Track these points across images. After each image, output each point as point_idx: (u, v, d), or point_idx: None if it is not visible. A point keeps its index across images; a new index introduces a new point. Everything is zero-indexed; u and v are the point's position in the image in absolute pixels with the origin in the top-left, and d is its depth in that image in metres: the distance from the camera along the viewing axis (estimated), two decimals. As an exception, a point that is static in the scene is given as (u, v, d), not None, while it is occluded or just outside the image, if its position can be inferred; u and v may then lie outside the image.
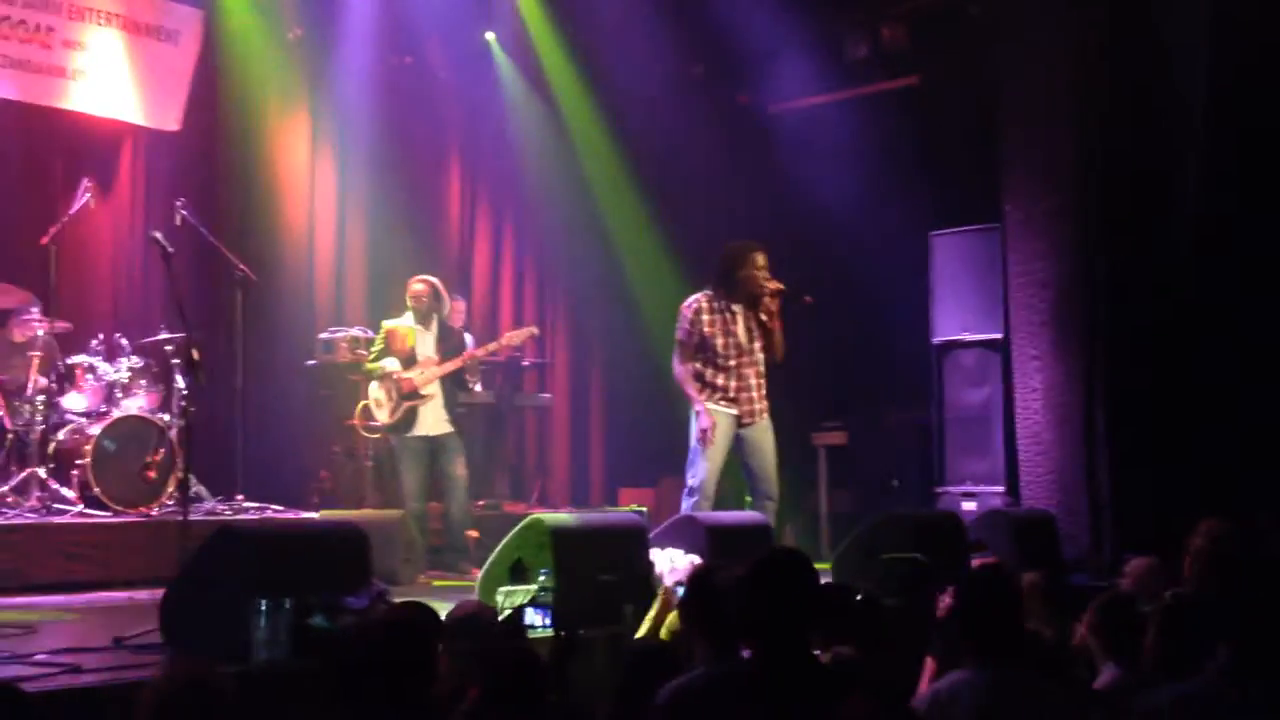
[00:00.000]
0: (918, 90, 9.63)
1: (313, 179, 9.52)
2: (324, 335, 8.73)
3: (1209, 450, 7.18)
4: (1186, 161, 7.50)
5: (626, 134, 10.15)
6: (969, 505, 8.06)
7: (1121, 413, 7.59)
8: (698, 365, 6.63)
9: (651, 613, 4.67)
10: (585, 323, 10.84)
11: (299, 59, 9.40)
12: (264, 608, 4.01)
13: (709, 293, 6.65)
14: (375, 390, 7.54)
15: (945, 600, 4.15)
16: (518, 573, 5.07)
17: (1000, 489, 8.18)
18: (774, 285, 6.58)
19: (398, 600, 4.06)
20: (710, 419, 6.53)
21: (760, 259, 6.62)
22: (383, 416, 7.51)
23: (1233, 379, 7.26)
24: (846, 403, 9.80)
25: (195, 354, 5.46)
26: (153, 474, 7.06)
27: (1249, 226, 7.31)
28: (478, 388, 8.55)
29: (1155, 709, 3.04)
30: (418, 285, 7.55)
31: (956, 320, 8.60)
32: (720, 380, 6.59)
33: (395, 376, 7.43)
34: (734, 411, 6.60)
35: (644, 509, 9.04)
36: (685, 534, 5.74)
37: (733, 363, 6.60)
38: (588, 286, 10.71)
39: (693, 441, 6.61)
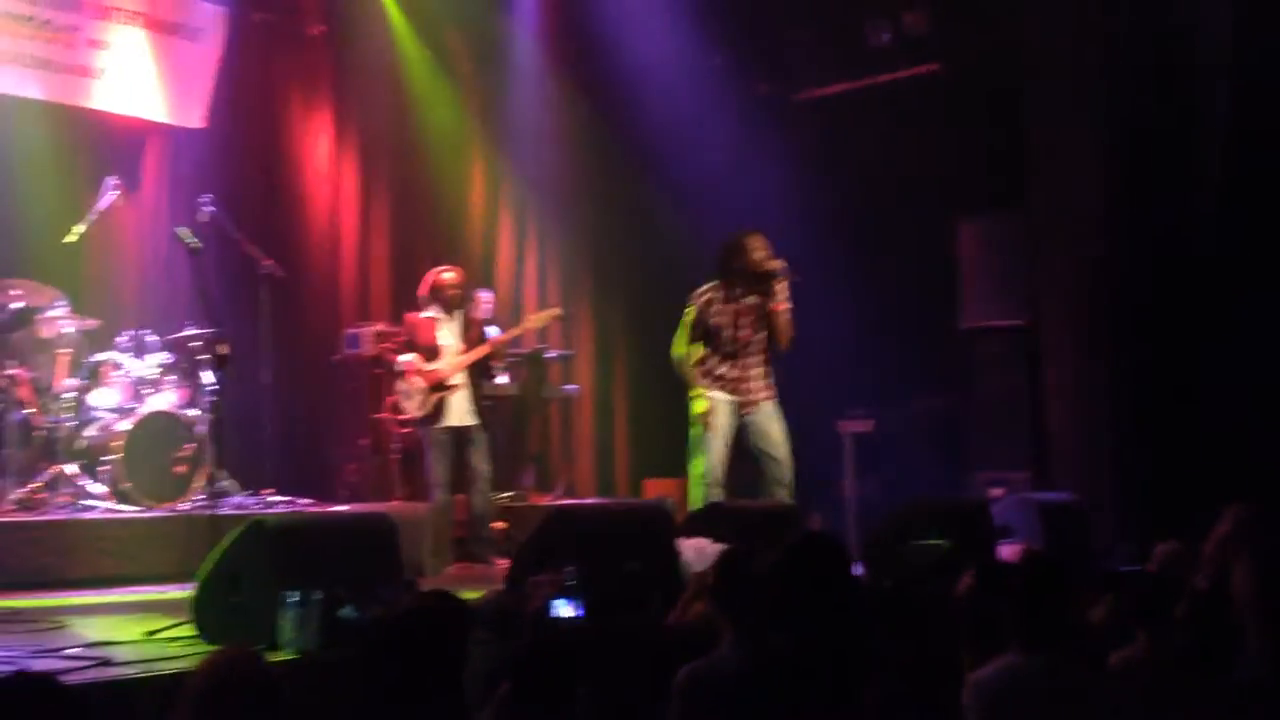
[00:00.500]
0: (941, 76, 9.58)
1: (337, 173, 9.55)
2: (350, 330, 8.75)
3: (1239, 435, 7.13)
4: (1215, 143, 7.44)
5: (648, 124, 10.12)
6: (996, 491, 8.02)
7: (1150, 398, 7.54)
8: (703, 353, 6.65)
9: (682, 600, 4.67)
10: (609, 314, 10.83)
11: (321, 55, 9.42)
12: (294, 600, 4.03)
13: (715, 285, 6.67)
14: (402, 384, 7.55)
15: (965, 581, 4.12)
16: (545, 562, 5.08)
17: (1027, 475, 8.14)
18: (774, 264, 6.59)
19: (425, 590, 4.06)
20: (709, 404, 6.56)
21: (756, 240, 6.64)
22: (412, 409, 7.53)
23: (1266, 364, 7.20)
24: (873, 390, 9.76)
25: (222, 349, 5.49)
26: (182, 469, 7.10)
27: (1278, 213, 7.25)
28: (503, 379, 8.55)
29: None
30: (448, 274, 7.54)
31: (984, 306, 8.56)
32: (722, 370, 6.61)
33: (422, 369, 7.44)
34: (734, 398, 6.60)
35: (669, 500, 9.04)
36: (712, 522, 5.73)
37: (734, 349, 6.63)
38: (611, 278, 10.70)
39: (694, 429, 6.64)
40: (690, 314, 6.68)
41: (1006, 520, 6.75)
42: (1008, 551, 5.75)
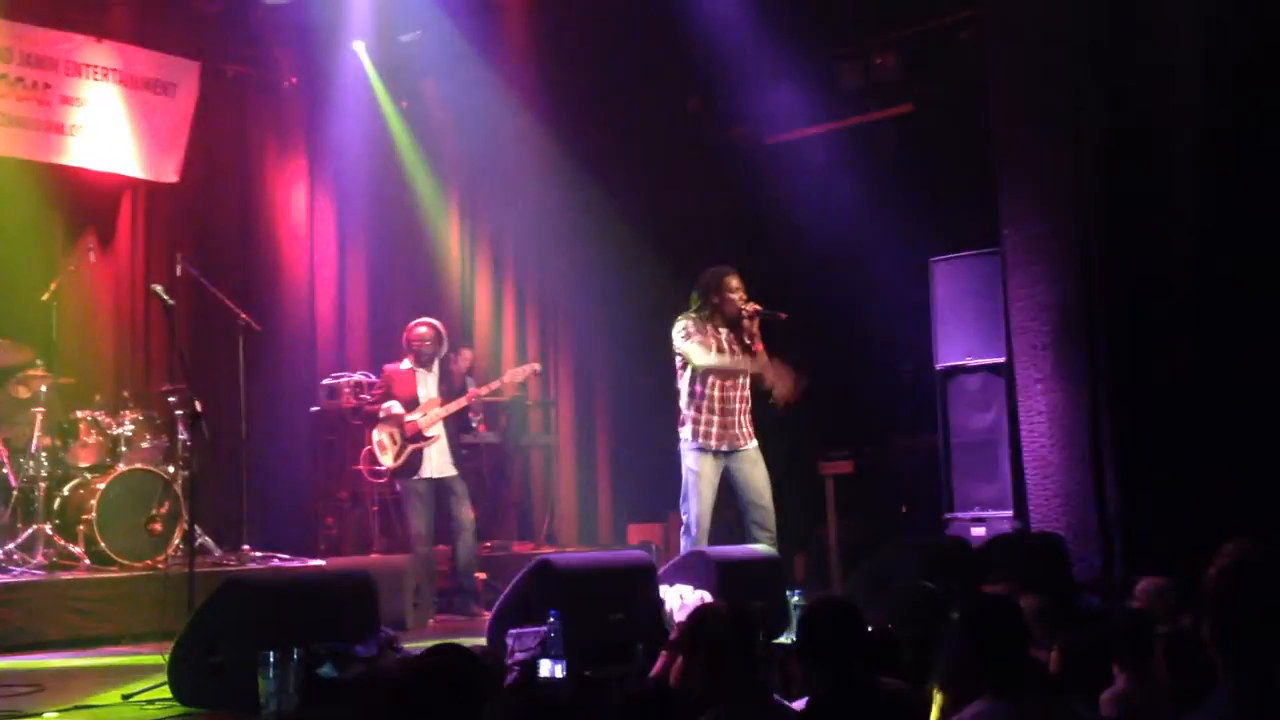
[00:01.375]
0: (912, 117, 9.67)
1: (312, 225, 9.56)
2: (327, 381, 8.73)
3: (1217, 470, 7.15)
4: (1186, 181, 7.51)
5: (624, 169, 10.17)
6: (978, 530, 8.03)
7: (1128, 433, 7.55)
8: (690, 385, 6.62)
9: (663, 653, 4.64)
10: (588, 360, 10.84)
11: (295, 107, 9.45)
12: (272, 659, 3.99)
13: (693, 316, 6.67)
14: (379, 434, 7.53)
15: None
16: (527, 614, 5.05)
17: (1009, 513, 8.13)
18: (751, 307, 6.60)
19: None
20: (686, 464, 6.55)
21: (734, 281, 6.65)
22: (387, 460, 7.50)
23: (1239, 398, 7.24)
24: (852, 432, 9.78)
25: (197, 405, 5.47)
26: (158, 527, 7.05)
27: (1252, 243, 7.31)
28: (482, 428, 8.54)
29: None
30: (421, 329, 7.57)
31: (959, 346, 8.59)
32: (704, 403, 6.58)
33: (400, 418, 7.42)
34: (715, 445, 6.57)
35: (652, 544, 9.02)
36: (694, 570, 5.72)
37: (719, 384, 6.60)
38: (589, 324, 10.71)
39: (685, 477, 6.61)
40: (682, 340, 6.63)
41: (988, 559, 6.75)
42: (991, 590, 5.75)
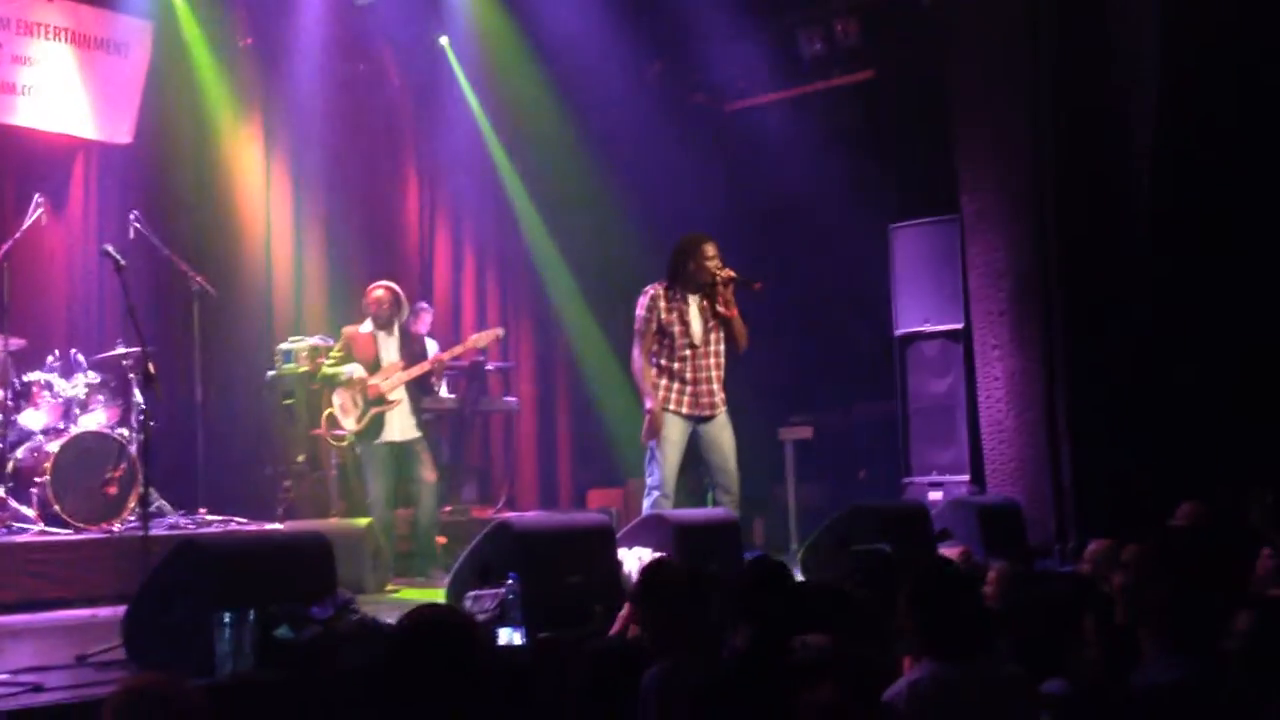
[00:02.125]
0: (873, 84, 9.68)
1: (268, 188, 9.45)
2: (284, 345, 8.66)
3: (1169, 434, 7.24)
4: (1140, 149, 7.56)
5: (585, 134, 10.13)
6: (935, 495, 8.11)
7: (1082, 399, 7.64)
8: (657, 356, 6.62)
9: (623, 612, 4.66)
10: (549, 325, 10.81)
11: (250, 68, 9.33)
12: (227, 620, 3.98)
13: (664, 285, 6.65)
14: (340, 397, 7.48)
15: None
16: (485, 576, 5.06)
17: (965, 478, 8.22)
18: (726, 273, 6.59)
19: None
20: (659, 421, 6.53)
21: (710, 249, 6.64)
22: (349, 424, 7.46)
23: (1192, 362, 7.32)
24: (811, 397, 9.83)
25: (151, 368, 5.40)
26: (113, 490, 6.99)
27: (1205, 210, 7.38)
28: (443, 392, 8.51)
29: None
30: (378, 291, 7.51)
31: (918, 312, 8.64)
32: (677, 369, 6.58)
33: (360, 381, 7.38)
34: (686, 411, 6.58)
35: (612, 510, 9.03)
36: (653, 533, 5.74)
37: (688, 354, 6.60)
38: (550, 288, 10.69)
39: (647, 440, 6.62)
40: (645, 316, 6.62)
41: (945, 523, 6.82)
42: (947, 554, 5.81)
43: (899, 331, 8.72)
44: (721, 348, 6.70)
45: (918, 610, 3.28)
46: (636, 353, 6.65)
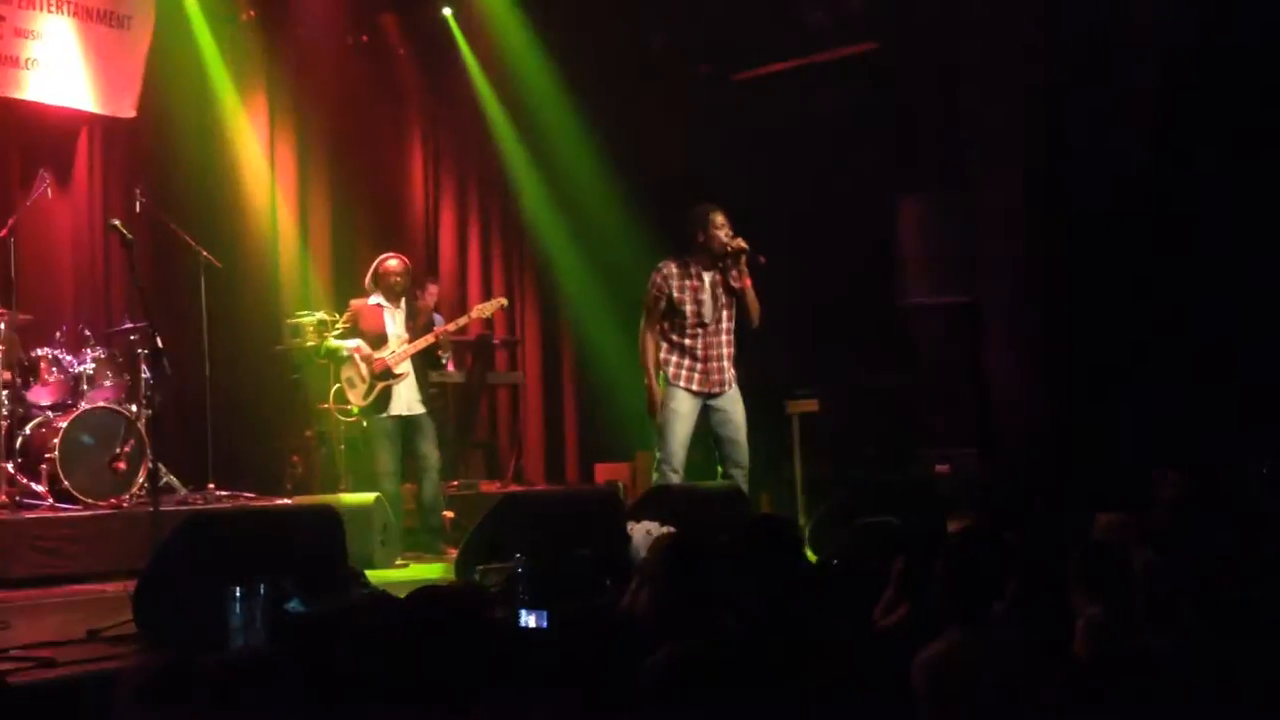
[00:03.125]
0: (878, 54, 9.62)
1: (273, 161, 9.43)
2: (291, 319, 8.66)
3: (1179, 406, 7.23)
4: (1148, 118, 7.53)
5: (588, 105, 10.09)
6: (942, 467, 8.10)
7: (1090, 370, 7.63)
8: (668, 333, 6.61)
9: (633, 585, 4.66)
10: (555, 298, 10.80)
11: (254, 40, 9.30)
12: (238, 594, 3.98)
13: (676, 260, 6.63)
14: (347, 371, 7.48)
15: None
16: (494, 550, 5.06)
17: (973, 450, 8.21)
18: (737, 243, 6.57)
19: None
20: (658, 398, 6.54)
21: (720, 218, 6.62)
22: (356, 398, 7.46)
23: (1202, 334, 7.31)
24: (818, 369, 9.80)
25: (159, 342, 5.40)
26: (122, 465, 6.99)
27: (1210, 182, 7.35)
28: (450, 365, 8.50)
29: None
30: (392, 261, 7.48)
31: (926, 284, 8.62)
32: (689, 345, 6.57)
33: (368, 356, 7.37)
34: (697, 388, 6.58)
35: (620, 483, 9.04)
36: (659, 505, 5.74)
37: (700, 330, 6.59)
38: (556, 262, 10.66)
39: (661, 412, 6.61)
40: (654, 294, 6.61)
41: (952, 495, 6.82)
42: (955, 526, 5.80)
43: (906, 303, 8.69)
44: (732, 324, 6.70)
45: (953, 577, 3.29)
46: (645, 329, 6.64)
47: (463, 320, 7.88)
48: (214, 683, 2.66)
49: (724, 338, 6.65)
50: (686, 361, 6.58)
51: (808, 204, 9.54)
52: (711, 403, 6.62)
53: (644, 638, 3.49)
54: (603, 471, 9.85)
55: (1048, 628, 3.79)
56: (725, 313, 6.65)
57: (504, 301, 8.32)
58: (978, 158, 8.09)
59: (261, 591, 4.02)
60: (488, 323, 9.61)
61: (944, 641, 3.21)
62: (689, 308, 6.58)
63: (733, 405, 6.65)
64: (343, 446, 8.28)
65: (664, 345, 6.62)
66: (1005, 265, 7.94)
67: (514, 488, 9.05)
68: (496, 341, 9.81)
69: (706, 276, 6.61)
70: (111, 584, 5.82)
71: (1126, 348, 7.51)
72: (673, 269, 6.60)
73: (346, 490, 7.88)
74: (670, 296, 6.57)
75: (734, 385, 6.69)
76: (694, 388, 6.57)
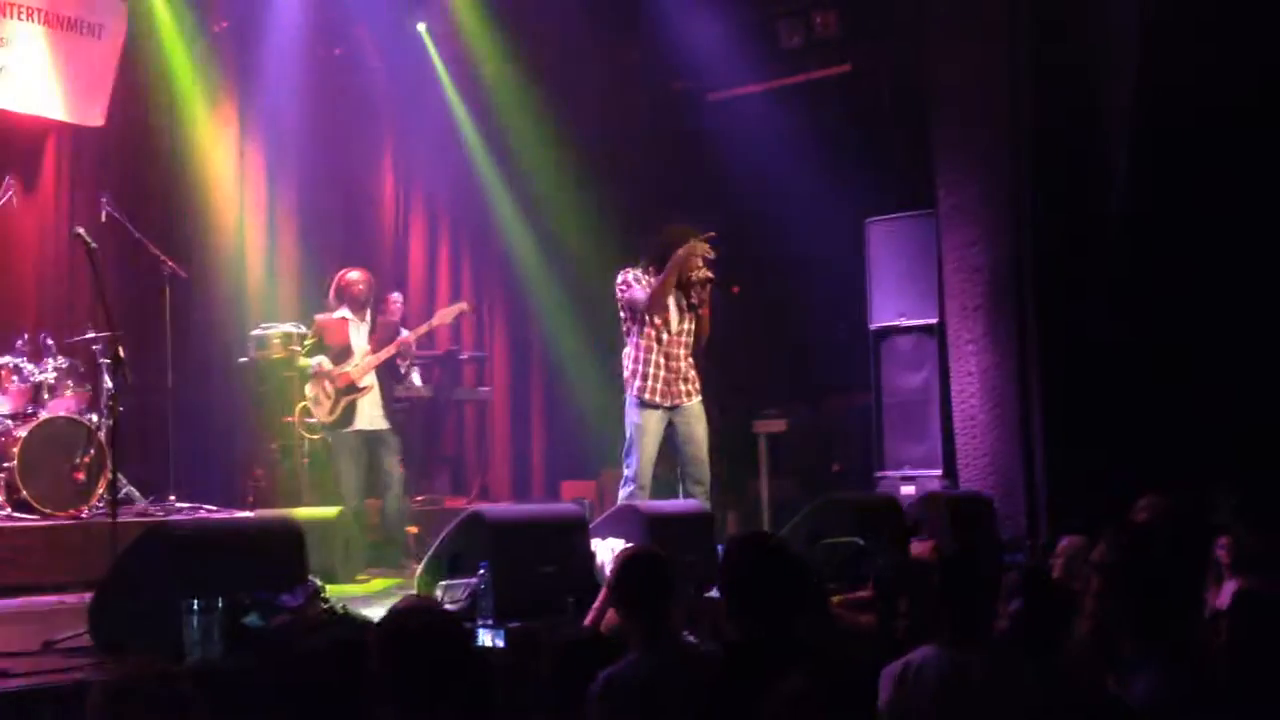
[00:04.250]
0: (850, 78, 9.68)
1: (241, 172, 9.38)
2: (256, 331, 8.60)
3: (1141, 431, 7.27)
4: (1116, 148, 7.59)
5: (562, 122, 10.10)
6: (908, 489, 8.11)
7: (1055, 395, 7.66)
8: (635, 341, 6.60)
9: (597, 601, 4.64)
10: (523, 314, 10.78)
11: (225, 51, 9.26)
12: (196, 607, 3.94)
13: (641, 268, 6.64)
14: (312, 390, 7.44)
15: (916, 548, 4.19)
16: (457, 566, 5.03)
17: (938, 472, 8.23)
18: (704, 274, 6.59)
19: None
20: (630, 418, 6.54)
21: (700, 247, 6.62)
22: (322, 414, 7.42)
23: (1164, 361, 7.36)
24: (786, 390, 9.84)
25: (120, 351, 5.35)
26: (82, 476, 6.92)
27: (1179, 209, 7.41)
28: (416, 379, 8.47)
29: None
30: (353, 274, 7.47)
31: (893, 306, 8.65)
32: (653, 354, 6.56)
33: (331, 373, 7.34)
34: (660, 400, 6.57)
35: (585, 501, 9.02)
36: (625, 524, 5.72)
37: (664, 338, 6.59)
38: (525, 278, 10.65)
39: (628, 431, 6.60)
40: (625, 288, 6.59)
41: (917, 517, 6.83)
42: (918, 548, 5.82)
43: (874, 325, 8.73)
44: (692, 338, 6.70)
45: (943, 595, 3.31)
46: (632, 328, 6.62)
47: (424, 328, 7.85)
48: (193, 698, 2.62)
49: (684, 350, 6.66)
50: (650, 372, 6.57)
51: (778, 225, 9.57)
52: (675, 417, 6.61)
53: (608, 653, 3.48)
54: (569, 489, 9.83)
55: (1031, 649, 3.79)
56: (686, 325, 6.66)
57: (465, 306, 8.26)
58: (946, 181, 8.13)
59: (219, 605, 3.98)
60: (455, 338, 9.60)
61: (920, 653, 3.24)
62: (655, 318, 6.57)
63: (695, 422, 6.64)
64: (306, 460, 8.22)
65: (628, 357, 6.62)
66: (971, 288, 7.97)
67: (479, 504, 9.01)
68: (464, 357, 9.78)
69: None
70: (68, 595, 5.76)
71: (1095, 369, 7.55)
72: (638, 274, 6.61)
73: (310, 504, 7.82)
74: (639, 288, 6.56)
75: (698, 397, 6.68)
76: (657, 400, 6.56)
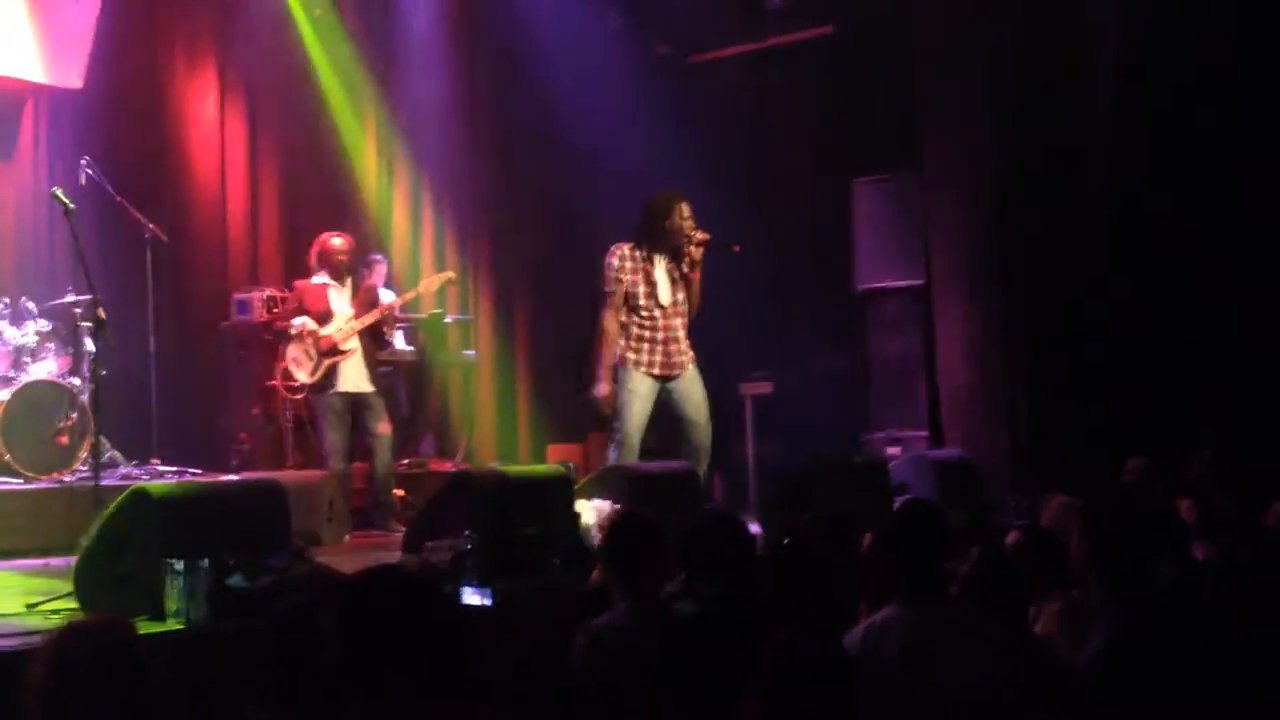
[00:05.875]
0: (833, 39, 9.61)
1: (223, 134, 9.30)
2: (239, 295, 8.56)
3: (1124, 393, 7.30)
4: (1101, 108, 7.58)
5: (544, 84, 10.02)
6: (894, 450, 8.13)
7: (1040, 356, 7.68)
8: (627, 318, 6.58)
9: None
10: (508, 277, 10.73)
11: (204, 9, 9.16)
12: (180, 568, 3.93)
13: (631, 243, 6.60)
14: (293, 351, 7.40)
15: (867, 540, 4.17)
16: (443, 528, 5.03)
17: (924, 433, 8.25)
18: (701, 235, 6.55)
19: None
20: (621, 383, 6.50)
21: (686, 209, 6.59)
22: (303, 376, 7.38)
23: (1150, 324, 7.38)
24: (772, 352, 9.82)
25: (101, 313, 5.31)
26: (65, 440, 6.90)
27: (1161, 174, 7.41)
28: (399, 343, 8.43)
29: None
30: (336, 240, 7.43)
31: (879, 268, 8.64)
32: (647, 327, 6.54)
33: (315, 333, 7.30)
34: (659, 371, 6.56)
35: (571, 464, 9.00)
36: (611, 485, 5.72)
37: (657, 313, 6.57)
38: (510, 240, 10.59)
39: (617, 397, 6.58)
40: (614, 278, 6.55)
41: (903, 478, 6.85)
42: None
43: (860, 287, 8.72)
44: (686, 306, 6.69)
45: (889, 553, 3.31)
46: (608, 316, 6.57)
47: (410, 295, 7.82)
48: (140, 650, 2.60)
49: (680, 320, 6.64)
50: (646, 345, 6.55)
51: (764, 187, 9.53)
52: (670, 385, 6.60)
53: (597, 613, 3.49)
54: (555, 452, 9.80)
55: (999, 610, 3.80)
56: (680, 295, 6.64)
57: (452, 275, 8.24)
58: (931, 141, 8.10)
59: (204, 566, 3.97)
60: (440, 301, 9.54)
61: (877, 616, 3.24)
62: (643, 289, 6.55)
63: (692, 386, 6.63)
64: (290, 424, 8.20)
65: (623, 334, 6.59)
66: (956, 249, 7.97)
67: (464, 467, 8.99)
68: (449, 320, 9.74)
69: (660, 260, 6.59)
70: (53, 558, 5.74)
71: (1080, 332, 7.57)
72: (625, 251, 6.57)
73: (294, 467, 7.81)
74: (625, 280, 6.54)
75: (693, 366, 6.67)
76: (655, 371, 6.54)
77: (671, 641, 2.95)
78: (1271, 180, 7.12)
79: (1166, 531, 3.95)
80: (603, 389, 6.51)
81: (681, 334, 6.64)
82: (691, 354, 6.67)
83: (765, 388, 9.41)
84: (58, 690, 2.52)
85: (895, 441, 8.31)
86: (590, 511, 5.45)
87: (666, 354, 6.57)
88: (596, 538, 5.02)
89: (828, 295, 9.21)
